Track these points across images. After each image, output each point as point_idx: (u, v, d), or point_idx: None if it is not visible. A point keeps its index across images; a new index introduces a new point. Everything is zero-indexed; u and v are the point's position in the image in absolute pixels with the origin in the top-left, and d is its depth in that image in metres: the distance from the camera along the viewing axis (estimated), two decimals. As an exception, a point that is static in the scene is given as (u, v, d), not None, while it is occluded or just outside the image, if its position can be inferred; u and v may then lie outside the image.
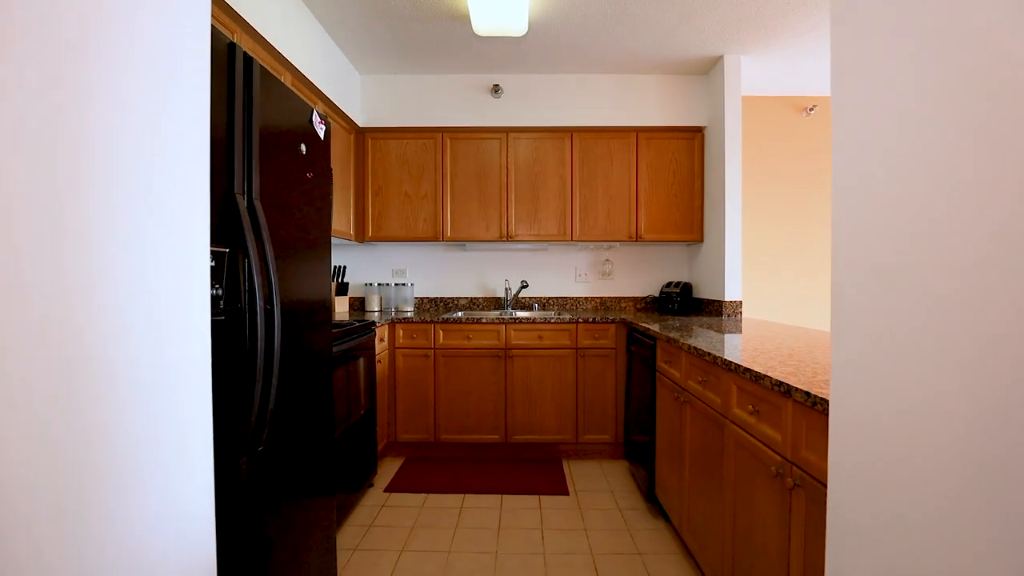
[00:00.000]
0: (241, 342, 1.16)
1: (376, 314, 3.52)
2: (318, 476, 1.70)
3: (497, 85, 3.40)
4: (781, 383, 1.22)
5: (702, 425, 1.80)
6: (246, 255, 1.12)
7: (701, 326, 2.65)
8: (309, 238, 1.52)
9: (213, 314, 1.06)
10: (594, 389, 3.18)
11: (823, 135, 3.83)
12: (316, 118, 1.57)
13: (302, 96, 2.82)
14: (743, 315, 3.19)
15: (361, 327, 2.71)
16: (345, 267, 3.71)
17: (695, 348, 1.81)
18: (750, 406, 1.41)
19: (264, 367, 1.17)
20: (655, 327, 2.55)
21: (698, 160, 3.51)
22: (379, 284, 3.74)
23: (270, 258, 1.18)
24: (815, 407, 1.08)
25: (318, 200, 1.59)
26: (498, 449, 3.24)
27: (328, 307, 1.70)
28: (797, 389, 1.15)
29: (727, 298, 3.16)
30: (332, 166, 3.09)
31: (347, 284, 3.70)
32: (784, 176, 3.84)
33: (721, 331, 2.37)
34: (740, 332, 2.29)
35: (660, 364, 2.34)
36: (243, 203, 1.13)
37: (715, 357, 1.63)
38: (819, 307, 3.84)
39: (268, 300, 1.20)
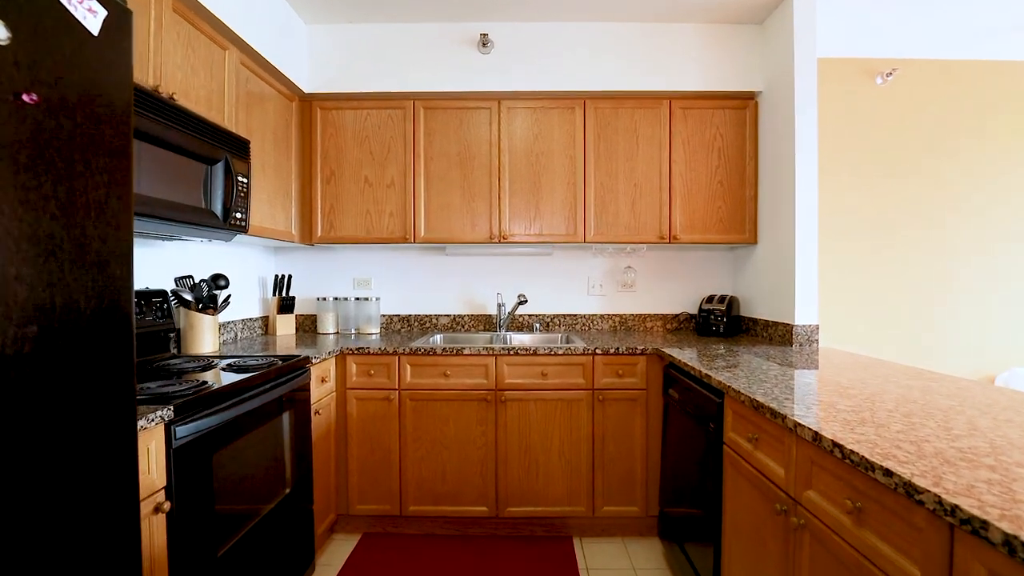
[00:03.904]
0: None
1: (331, 337, 2.69)
2: None
3: (485, 35, 2.56)
4: None
5: (851, 590, 0.96)
6: None
7: (771, 360, 1.81)
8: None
9: None
10: (616, 445, 2.34)
11: (905, 107, 2.99)
12: (68, -16, 0.73)
13: (212, 40, 1.99)
14: (819, 344, 2.35)
15: (288, 366, 1.87)
16: (290, 277, 2.87)
17: (847, 451, 0.97)
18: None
19: None
20: (690, 355, 1.70)
21: (751, 136, 2.67)
22: (335, 298, 2.91)
23: None
24: None
25: (70, 147, 0.75)
26: (486, 524, 2.40)
27: (127, 336, 0.86)
28: None
29: (799, 321, 2.32)
30: (260, 142, 2.26)
31: (293, 299, 2.86)
32: (848, 160, 2.99)
33: (804, 372, 1.53)
34: (836, 372, 1.45)
35: (734, 437, 1.50)
36: None
37: (912, 487, 0.79)
38: (905, 331, 2.99)
39: None
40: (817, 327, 2.31)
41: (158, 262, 2.10)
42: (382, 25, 2.65)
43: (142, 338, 1.86)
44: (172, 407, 1.23)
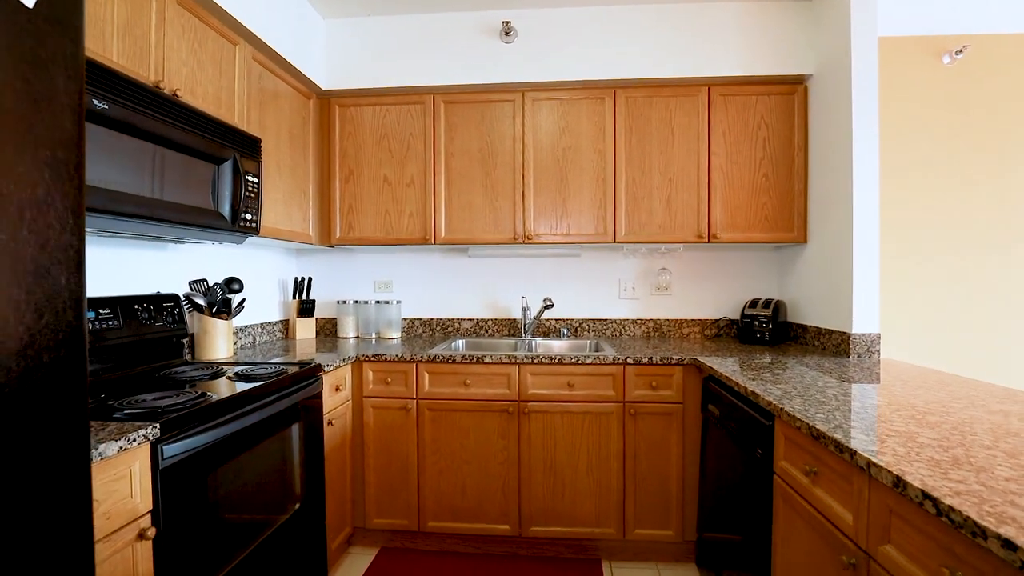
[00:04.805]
0: None
1: (351, 341, 2.61)
2: None
3: (508, 23, 2.41)
4: None
5: None
6: None
7: (828, 374, 1.59)
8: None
9: None
10: (650, 462, 2.15)
11: (978, 90, 2.66)
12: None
13: (221, 35, 1.90)
14: (880, 356, 2.09)
15: (298, 374, 1.78)
16: (310, 279, 2.80)
17: (944, 507, 0.78)
18: None
19: None
20: (733, 367, 1.49)
21: (800, 125, 2.42)
22: (355, 302, 2.82)
23: None
24: None
25: None
26: (509, 544, 2.25)
27: (77, 353, 0.75)
28: None
29: (857, 330, 2.07)
30: (275, 141, 2.18)
31: (313, 302, 2.79)
32: (908, 151, 2.69)
33: (867, 389, 1.31)
34: (907, 392, 1.22)
35: (786, 467, 1.30)
36: None
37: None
38: (972, 343, 2.66)
39: None
40: (878, 336, 2.06)
41: (171, 266, 2.04)
42: (401, 17, 2.54)
43: (153, 344, 1.80)
44: (158, 425, 1.13)
